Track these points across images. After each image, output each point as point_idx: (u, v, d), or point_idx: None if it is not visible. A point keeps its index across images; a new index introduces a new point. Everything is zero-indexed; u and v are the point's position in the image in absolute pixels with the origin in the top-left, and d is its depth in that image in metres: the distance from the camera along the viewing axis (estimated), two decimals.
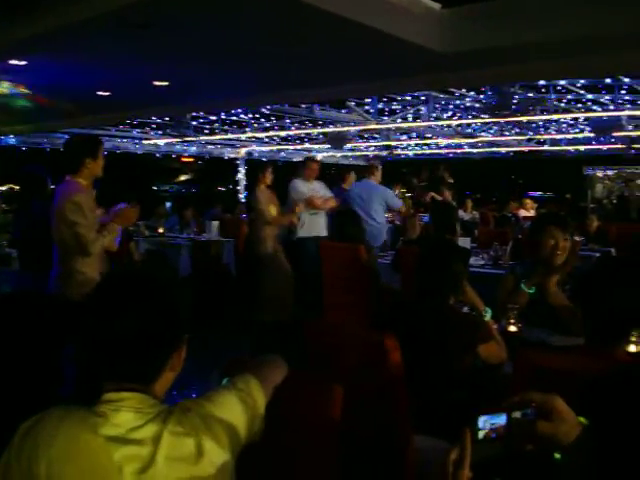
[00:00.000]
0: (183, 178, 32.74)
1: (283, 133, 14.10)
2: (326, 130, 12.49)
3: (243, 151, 17.42)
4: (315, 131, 13.32)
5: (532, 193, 22.69)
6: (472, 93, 10.44)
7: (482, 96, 10.20)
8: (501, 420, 1.25)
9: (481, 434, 1.23)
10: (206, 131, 13.78)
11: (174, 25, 4.50)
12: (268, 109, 11.27)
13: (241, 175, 17.70)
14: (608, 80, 9.40)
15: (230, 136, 14.57)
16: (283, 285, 7.53)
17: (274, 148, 17.26)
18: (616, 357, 2.46)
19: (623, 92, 10.14)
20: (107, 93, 7.58)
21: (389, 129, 13.19)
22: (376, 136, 14.98)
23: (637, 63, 5.50)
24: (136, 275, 1.66)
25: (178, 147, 16.61)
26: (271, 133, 14.10)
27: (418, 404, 2.81)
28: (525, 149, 15.72)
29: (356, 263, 5.70)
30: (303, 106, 10.79)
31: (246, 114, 12.38)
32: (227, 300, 8.26)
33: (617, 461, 0.81)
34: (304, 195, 7.72)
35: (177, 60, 5.74)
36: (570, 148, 16.09)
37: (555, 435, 1.23)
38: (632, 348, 3.08)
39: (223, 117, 12.70)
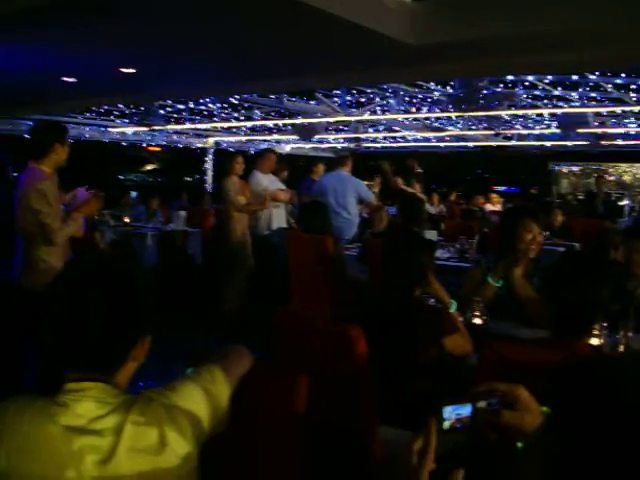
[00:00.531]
0: (149, 167, 32.39)
1: (251, 123, 14.02)
2: (294, 121, 12.46)
3: (211, 141, 17.30)
4: (283, 122, 13.28)
5: (496, 188, 22.98)
6: (440, 86, 10.49)
7: (450, 90, 10.23)
8: (466, 411, 1.26)
9: (446, 424, 1.23)
10: (174, 120, 13.65)
11: (138, 11, 4.43)
12: (237, 99, 11.21)
13: (209, 165, 17.59)
14: (575, 77, 9.50)
15: (198, 126, 14.46)
16: (249, 276, 7.51)
17: (242, 138, 17.17)
18: (579, 349, 2.50)
19: (589, 89, 10.27)
20: (72, 79, 7.46)
21: (358, 121, 13.20)
22: (345, 128, 14.99)
23: (604, 60, 5.57)
24: (101, 263, 1.63)
25: (145, 136, 16.44)
26: (240, 123, 14.02)
27: (384, 395, 2.82)
28: (492, 144, 15.84)
29: (323, 254, 5.70)
30: (272, 97, 10.75)
31: (214, 104, 12.30)
32: (193, 290, 8.22)
33: (577, 451, 0.82)
34: (267, 188, 7.68)
35: (143, 47, 5.66)
36: (536, 143, 16.26)
37: (519, 425, 1.24)
38: (595, 341, 3.14)
39: (191, 106, 12.60)
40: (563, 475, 0.84)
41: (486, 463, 1.39)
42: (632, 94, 10.03)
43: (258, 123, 13.96)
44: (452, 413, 1.24)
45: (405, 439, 1.24)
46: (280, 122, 13.45)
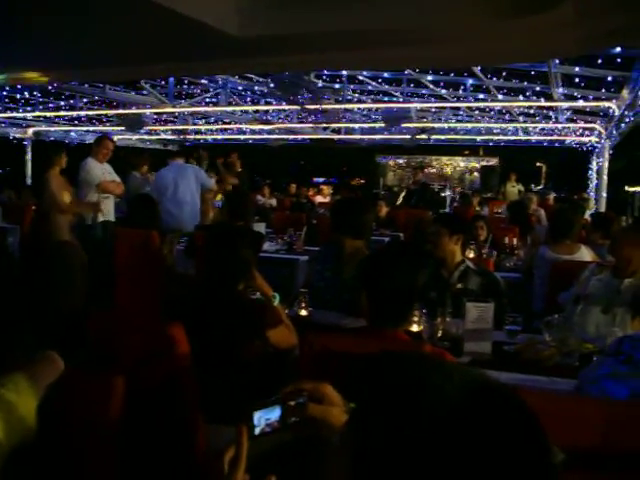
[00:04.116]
0: None
1: (73, 113, 13.36)
2: (119, 111, 12.02)
3: (30, 131, 16.31)
4: (107, 112, 12.80)
5: (315, 179, 23.70)
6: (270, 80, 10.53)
7: (270, 82, 10.26)
8: (275, 414, 1.24)
9: (257, 430, 1.22)
10: None
11: None
12: (56, 87, 10.64)
13: (28, 157, 16.55)
14: (397, 73, 9.89)
15: (15, 114, 13.61)
16: (75, 274, 7.13)
17: (65, 128, 16.35)
18: (397, 337, 2.57)
19: (411, 85, 10.75)
20: None
21: (186, 113, 13.01)
22: (174, 120, 14.71)
23: (427, 58, 5.79)
24: None
25: None
26: (61, 113, 13.33)
27: (209, 393, 2.77)
28: (321, 137, 16.16)
29: (148, 250, 5.55)
30: (95, 86, 10.32)
31: (32, 91, 11.61)
32: (8, 291, 7.70)
33: (374, 448, 0.82)
34: (98, 178, 7.36)
35: None
36: (364, 137, 16.79)
37: (326, 418, 1.24)
38: (414, 327, 3.26)
39: (5, 93, 11.80)
40: (362, 471, 0.84)
41: (300, 461, 1.38)
42: (445, 90, 10.64)
43: (81, 113, 13.34)
44: (262, 419, 1.22)
45: (231, 436, 1.21)
46: (104, 112, 12.95)
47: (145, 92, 11.01)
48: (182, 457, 2.68)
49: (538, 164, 30.18)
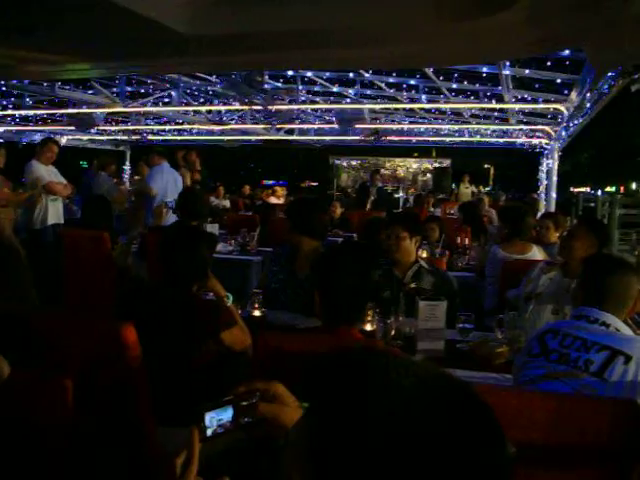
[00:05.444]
0: None
1: (22, 112, 13.01)
2: (69, 111, 11.75)
3: None
4: (56, 111, 12.52)
5: (264, 182, 23.72)
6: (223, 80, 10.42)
7: (219, 81, 10.17)
8: (227, 415, 1.23)
9: (209, 431, 1.20)
10: None
11: None
12: (4, 84, 10.35)
13: None
14: (351, 74, 9.91)
15: None
16: (23, 274, 6.99)
17: (12, 128, 15.95)
18: (351, 336, 2.56)
19: (365, 87, 10.79)
20: None
21: (139, 113, 12.81)
22: (126, 120, 14.45)
23: (380, 58, 5.80)
24: None
25: None
26: (8, 112, 13.00)
27: (161, 395, 2.72)
28: (274, 138, 16.07)
29: (99, 251, 5.46)
30: (44, 84, 10.06)
31: None
32: None
33: (329, 445, 0.81)
34: (43, 179, 7.26)
35: None
36: (318, 138, 16.76)
37: (278, 417, 1.24)
38: (368, 327, 3.27)
39: None
40: (317, 469, 0.83)
41: (252, 464, 1.37)
42: (399, 92, 10.71)
43: (30, 112, 13.01)
44: (213, 420, 1.21)
45: (183, 438, 1.19)
46: (53, 111, 12.67)
47: (93, 91, 10.78)
48: (134, 460, 2.64)
49: (486, 166, 30.78)
